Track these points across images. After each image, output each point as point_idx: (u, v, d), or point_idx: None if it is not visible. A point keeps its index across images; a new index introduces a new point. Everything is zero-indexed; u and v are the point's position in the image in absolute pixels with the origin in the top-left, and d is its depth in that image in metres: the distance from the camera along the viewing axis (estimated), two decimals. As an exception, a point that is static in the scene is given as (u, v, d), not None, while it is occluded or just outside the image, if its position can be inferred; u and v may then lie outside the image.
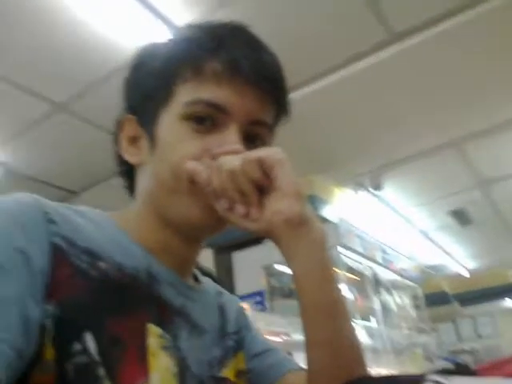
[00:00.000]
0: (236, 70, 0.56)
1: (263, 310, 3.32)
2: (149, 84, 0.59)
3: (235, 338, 0.68)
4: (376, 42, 2.29)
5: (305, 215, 0.52)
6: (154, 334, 0.53)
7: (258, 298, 3.40)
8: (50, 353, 0.45)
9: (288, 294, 3.53)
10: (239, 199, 0.52)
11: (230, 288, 3.57)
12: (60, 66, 2.18)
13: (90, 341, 0.47)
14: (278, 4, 2.02)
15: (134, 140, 0.61)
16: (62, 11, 1.91)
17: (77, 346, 0.46)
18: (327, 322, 0.52)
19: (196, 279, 0.67)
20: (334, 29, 2.19)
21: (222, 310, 0.69)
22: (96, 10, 1.93)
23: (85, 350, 0.46)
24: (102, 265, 0.52)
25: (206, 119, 0.56)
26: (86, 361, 0.46)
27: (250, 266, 3.54)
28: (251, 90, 0.56)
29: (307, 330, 0.53)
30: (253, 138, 0.58)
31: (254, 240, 3.56)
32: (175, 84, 0.57)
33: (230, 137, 0.55)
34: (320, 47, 2.29)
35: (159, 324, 0.54)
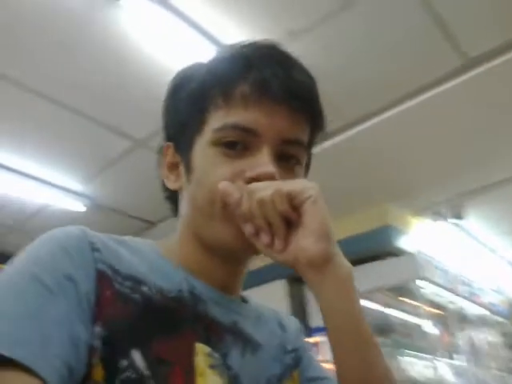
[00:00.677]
0: (264, 91, 0.55)
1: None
2: (183, 111, 0.60)
3: (293, 357, 0.67)
4: (450, 68, 2.22)
5: (329, 254, 0.52)
6: (202, 353, 0.53)
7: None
8: (98, 373, 0.46)
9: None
10: (265, 228, 0.52)
11: (303, 320, 3.51)
12: (137, 103, 2.32)
13: (137, 358, 0.48)
14: (349, 34, 2.03)
15: (173, 166, 0.62)
16: (131, 48, 2.04)
17: (124, 363, 0.47)
18: (355, 358, 0.52)
19: (243, 299, 0.67)
20: (405, 57, 2.16)
21: (281, 326, 0.69)
22: (163, 46, 2.04)
23: (132, 366, 0.47)
24: (144, 289, 0.53)
25: (236, 144, 0.56)
26: (135, 376, 0.47)
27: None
28: (281, 110, 0.56)
29: (337, 367, 0.53)
30: (287, 157, 0.58)
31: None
32: (208, 111, 0.58)
33: (262, 159, 0.55)
34: (393, 75, 2.26)
35: (207, 343, 0.54)
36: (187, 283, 0.57)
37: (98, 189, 3.06)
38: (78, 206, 3.18)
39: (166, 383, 0.49)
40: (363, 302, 3.36)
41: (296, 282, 3.66)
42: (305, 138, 0.59)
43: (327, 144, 2.61)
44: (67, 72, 2.15)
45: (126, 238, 0.59)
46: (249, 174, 0.54)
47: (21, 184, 2.92)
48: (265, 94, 0.55)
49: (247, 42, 0.61)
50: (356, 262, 3.35)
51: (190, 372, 0.51)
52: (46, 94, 2.27)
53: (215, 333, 0.56)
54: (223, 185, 0.54)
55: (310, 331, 3.45)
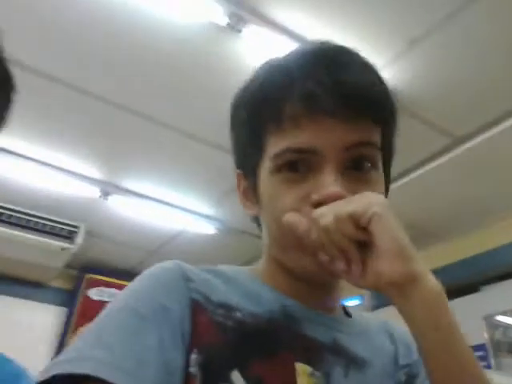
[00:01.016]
0: (312, 104, 0.51)
1: (487, 367, 2.92)
2: (243, 139, 0.59)
3: (407, 372, 0.61)
4: None
5: (409, 274, 0.46)
6: (304, 373, 0.51)
7: (479, 353, 3.01)
8: None
9: (517, 351, 3.04)
10: (338, 254, 0.48)
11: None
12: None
13: (237, 379, 0.48)
14: (459, 45, 1.89)
15: (247, 193, 0.61)
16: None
17: None
18: None
19: (346, 313, 0.64)
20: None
21: (392, 339, 0.64)
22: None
23: None
24: (237, 315, 0.53)
25: (297, 167, 0.53)
26: None
27: (466, 316, 3.18)
28: (335, 120, 0.51)
29: None
30: (359, 162, 0.53)
31: (469, 287, 3.22)
32: (263, 138, 0.56)
33: (326, 179, 0.51)
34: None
35: (308, 362, 0.53)
36: (280, 304, 0.57)
37: (228, 212, 3.20)
38: (210, 230, 3.35)
39: None
40: (510, 321, 3.04)
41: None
42: (373, 137, 0.54)
43: (464, 147, 2.44)
44: (192, 104, 2.31)
45: (220, 267, 0.60)
46: (314, 199, 0.51)
47: (158, 210, 3.18)
48: (313, 108, 0.51)
49: (296, 48, 0.58)
50: (503, 276, 3.05)
51: None
52: (177, 127, 2.45)
53: (315, 352, 0.54)
54: (288, 217, 0.51)
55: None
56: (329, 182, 0.51)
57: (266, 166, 0.56)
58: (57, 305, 3.86)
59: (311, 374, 0.52)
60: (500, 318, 3.03)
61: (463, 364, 0.46)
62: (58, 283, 3.93)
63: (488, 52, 1.96)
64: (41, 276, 3.75)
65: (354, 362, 0.56)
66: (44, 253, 3.37)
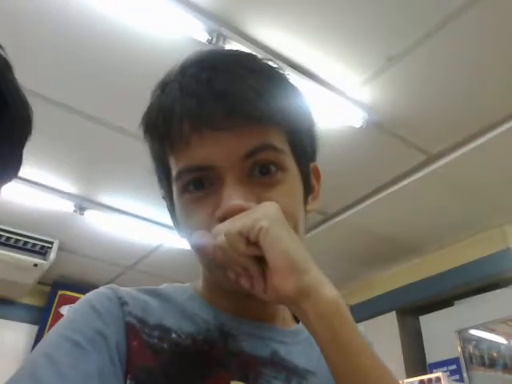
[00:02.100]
0: (197, 121, 0.50)
1: (459, 380, 2.96)
2: (155, 161, 0.59)
3: None
4: None
5: (301, 288, 0.45)
6: None
7: (452, 367, 3.05)
8: None
9: (489, 364, 3.09)
10: (240, 271, 0.48)
11: (419, 354, 3.28)
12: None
13: None
14: (436, 63, 1.94)
15: (172, 215, 0.61)
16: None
17: None
18: None
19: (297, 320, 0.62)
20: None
21: None
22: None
23: None
24: (173, 336, 0.52)
25: (198, 185, 0.52)
26: None
27: (440, 330, 3.22)
28: (225, 133, 0.50)
29: None
30: (262, 166, 0.52)
31: (443, 302, 3.26)
32: (165, 160, 0.55)
33: (225, 192, 0.50)
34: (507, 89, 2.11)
35: (245, 380, 0.52)
36: (216, 322, 0.56)
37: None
38: (187, 245, 3.32)
39: None
40: (485, 335, 3.08)
41: (408, 314, 3.46)
42: (271, 140, 0.52)
43: (439, 164, 2.50)
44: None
45: (161, 286, 0.60)
46: (217, 215, 0.50)
47: (135, 225, 3.14)
48: (198, 125, 0.50)
49: (186, 59, 0.57)
50: (476, 290, 3.10)
51: None
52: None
53: (251, 368, 0.53)
54: (194, 239, 0.51)
55: (428, 367, 3.23)
56: (228, 194, 0.50)
57: (174, 188, 0.55)
58: (28, 322, 3.75)
59: None
60: (473, 331, 3.08)
61: (365, 378, 0.45)
62: (29, 300, 3.82)
63: (463, 71, 2.02)
64: (12, 293, 3.65)
65: (295, 374, 0.55)
66: (16, 269, 3.29)
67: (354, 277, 3.72)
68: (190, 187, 0.53)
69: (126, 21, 1.83)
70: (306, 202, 0.58)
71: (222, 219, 0.49)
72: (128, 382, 0.48)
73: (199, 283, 0.61)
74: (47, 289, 3.82)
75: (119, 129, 2.37)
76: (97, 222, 3.11)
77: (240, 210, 0.48)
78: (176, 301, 0.57)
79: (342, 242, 3.28)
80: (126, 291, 0.56)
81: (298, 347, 0.58)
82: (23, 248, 3.20)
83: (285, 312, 0.62)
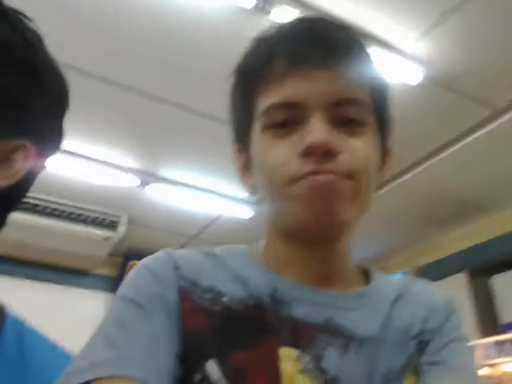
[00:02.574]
0: (299, 58, 0.51)
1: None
2: (237, 107, 0.59)
3: (417, 343, 0.55)
4: None
5: None
6: (289, 358, 0.50)
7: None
8: None
9: None
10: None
11: (491, 315, 3.19)
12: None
13: (212, 371, 0.48)
14: (495, 14, 1.80)
15: (245, 167, 0.60)
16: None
17: (197, 377, 0.48)
18: None
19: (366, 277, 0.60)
20: None
21: (411, 304, 0.58)
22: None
23: (206, 379, 0.48)
24: (224, 300, 0.53)
25: (284, 123, 0.53)
26: None
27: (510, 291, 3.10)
28: (321, 73, 0.51)
29: None
30: (348, 121, 0.53)
31: (514, 261, 3.13)
32: (253, 99, 0.56)
33: (312, 127, 0.50)
34: None
35: (295, 346, 0.51)
36: (270, 286, 0.55)
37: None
38: (247, 213, 3.38)
39: None
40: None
41: (479, 274, 3.34)
42: (362, 97, 0.53)
43: (505, 118, 2.36)
44: (222, 89, 2.31)
45: (218, 248, 0.60)
46: (301, 148, 0.50)
47: (196, 196, 3.22)
48: (299, 62, 0.52)
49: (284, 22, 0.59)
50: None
51: (275, 380, 0.48)
52: (210, 113, 2.47)
53: (304, 334, 0.52)
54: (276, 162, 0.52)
55: (501, 328, 3.13)
56: (314, 130, 0.50)
57: (257, 126, 0.56)
58: (103, 291, 4.00)
59: (297, 359, 0.50)
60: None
61: None
62: (103, 271, 4.06)
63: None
64: (87, 264, 3.89)
65: (353, 341, 0.53)
66: (89, 242, 3.49)
67: (422, 238, 3.63)
68: (273, 126, 0.53)
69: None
70: (380, 164, 0.58)
71: (305, 153, 0.50)
72: (181, 345, 0.49)
73: (259, 246, 0.61)
74: (119, 260, 4.03)
75: (176, 104, 2.41)
76: (160, 195, 3.21)
77: (324, 146, 0.50)
78: (231, 264, 0.57)
79: (407, 202, 3.20)
80: (181, 254, 0.57)
81: (359, 312, 0.56)
82: (94, 223, 3.38)
83: (349, 272, 0.60)
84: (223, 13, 1.89)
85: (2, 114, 0.52)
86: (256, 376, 0.49)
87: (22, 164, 0.54)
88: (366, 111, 0.54)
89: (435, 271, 3.45)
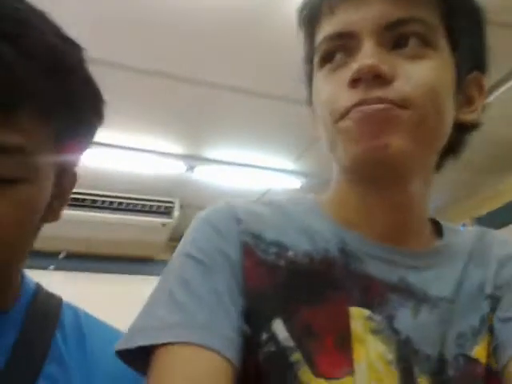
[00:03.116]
0: None
1: None
2: (304, 51, 0.57)
3: (491, 301, 0.52)
4: None
5: None
6: (359, 317, 0.47)
7: None
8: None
9: None
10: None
11: None
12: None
13: (279, 329, 0.46)
14: None
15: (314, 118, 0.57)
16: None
17: (264, 336, 0.46)
18: None
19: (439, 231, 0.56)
20: None
21: (486, 259, 0.54)
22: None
23: (273, 339, 0.45)
24: (289, 254, 0.50)
25: (335, 54, 0.50)
26: (275, 349, 0.45)
27: None
28: None
29: None
30: (404, 39, 0.48)
31: None
32: (312, 36, 0.54)
33: (361, 53, 0.47)
34: None
35: (366, 305, 0.48)
36: (338, 239, 0.51)
37: (311, 164, 3.17)
38: (296, 184, 3.36)
39: (315, 353, 0.45)
40: None
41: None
42: (421, 13, 0.48)
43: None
44: (257, 62, 2.28)
45: (280, 199, 0.57)
46: (349, 77, 0.47)
47: (243, 174, 3.24)
48: None
49: None
50: None
51: (345, 339, 0.46)
52: (247, 88, 2.45)
53: (376, 293, 0.49)
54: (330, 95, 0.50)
55: None
56: (362, 56, 0.47)
57: (314, 67, 0.54)
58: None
59: (369, 318, 0.48)
60: None
61: None
62: (165, 256, 4.19)
63: None
64: (148, 252, 4.02)
65: (425, 302, 0.50)
66: (147, 230, 3.60)
67: (482, 186, 3.49)
68: (327, 59, 0.51)
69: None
70: (457, 105, 0.52)
71: (353, 82, 0.47)
72: (244, 303, 0.47)
73: (324, 197, 0.58)
74: (178, 245, 4.14)
75: (211, 83, 2.41)
76: (208, 177, 3.25)
77: (372, 71, 0.46)
78: (295, 215, 0.54)
79: (467, 149, 3.06)
80: (243, 207, 0.54)
81: (433, 271, 0.53)
82: (150, 211, 3.48)
83: (422, 225, 0.55)
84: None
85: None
86: (324, 335, 0.46)
87: None
88: (431, 32, 0.48)
89: (498, 218, 3.32)
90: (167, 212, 3.52)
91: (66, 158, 0.54)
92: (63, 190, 0.56)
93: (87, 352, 0.58)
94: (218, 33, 2.08)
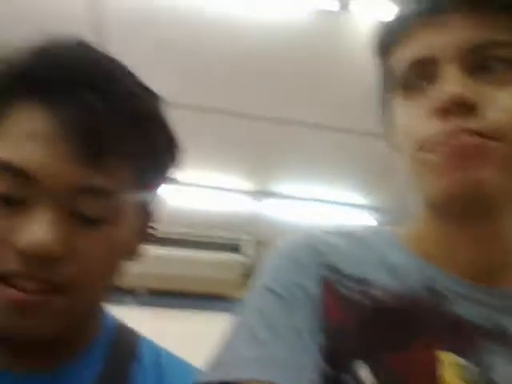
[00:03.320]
0: (426, 5, 0.46)
1: None
2: (379, 71, 0.56)
3: None
4: None
5: None
6: (450, 364, 0.43)
7: None
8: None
9: None
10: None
11: None
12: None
13: (362, 372, 0.42)
14: None
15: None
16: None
17: (345, 377, 0.42)
18: None
19: None
20: None
21: None
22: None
23: (356, 381, 0.42)
24: (373, 292, 0.46)
25: (415, 82, 0.47)
26: None
27: None
28: (454, 17, 0.44)
29: None
30: (488, 63, 0.44)
31: None
32: (388, 58, 0.52)
33: (445, 81, 0.44)
34: None
35: (457, 351, 0.43)
36: (425, 277, 0.48)
37: (386, 197, 3.09)
38: (370, 220, 3.27)
39: None
40: None
41: None
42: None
43: None
44: (322, 95, 2.29)
45: (357, 229, 0.54)
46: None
47: (314, 208, 3.20)
48: (426, 10, 0.46)
49: None
50: None
51: None
52: (314, 122, 2.46)
53: (467, 338, 0.45)
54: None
55: None
56: (448, 82, 0.44)
57: (390, 91, 0.51)
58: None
59: (461, 366, 0.43)
60: None
61: None
62: (238, 294, 4.19)
63: None
64: (222, 289, 4.05)
65: None
66: (221, 267, 3.64)
67: None
68: (406, 84, 0.49)
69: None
70: None
71: (439, 111, 0.44)
72: (324, 340, 0.45)
73: (406, 231, 0.54)
74: (252, 281, 4.11)
75: (276, 119, 2.44)
76: (279, 212, 3.25)
77: (460, 100, 0.43)
78: (376, 248, 0.51)
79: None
80: (322, 238, 0.52)
81: None
82: (222, 247, 3.52)
83: (510, 262, 0.50)
84: (307, 18, 1.89)
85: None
86: (411, 381, 0.43)
87: None
88: None
89: None
90: (238, 248, 3.54)
91: (145, 198, 0.57)
92: (143, 229, 0.58)
93: None
94: (287, 70, 2.13)
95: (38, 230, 0.44)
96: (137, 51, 1.58)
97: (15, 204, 0.45)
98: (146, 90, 0.56)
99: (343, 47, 1.96)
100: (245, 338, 0.45)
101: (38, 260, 0.44)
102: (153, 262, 3.28)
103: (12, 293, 0.44)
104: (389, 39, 0.51)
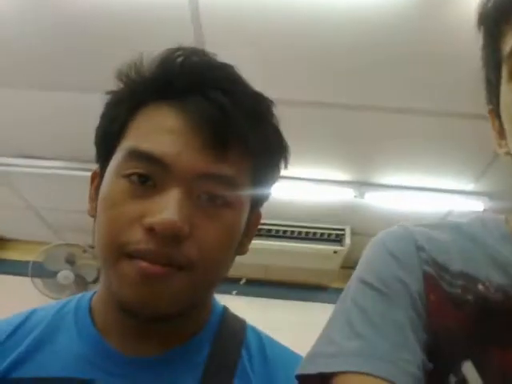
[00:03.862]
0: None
1: None
2: (486, 60, 0.55)
3: None
4: None
5: None
6: None
7: None
8: None
9: None
10: None
11: None
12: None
13: (471, 375, 0.40)
14: None
15: (499, 133, 0.53)
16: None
17: (452, 379, 0.41)
18: None
19: None
20: None
21: None
22: None
23: (464, 383, 0.40)
24: (479, 288, 0.44)
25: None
26: None
27: None
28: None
29: None
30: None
31: None
32: (499, 43, 0.49)
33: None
34: None
35: None
36: None
37: (495, 183, 2.89)
38: (478, 206, 3.07)
39: None
40: None
41: None
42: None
43: None
44: (422, 80, 2.18)
45: (464, 220, 0.51)
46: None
47: (417, 198, 3.09)
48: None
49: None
50: None
51: None
52: (414, 108, 2.36)
53: None
54: None
55: None
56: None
57: (503, 78, 0.48)
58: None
59: None
60: None
61: None
62: (337, 284, 4.17)
63: None
64: (322, 279, 4.06)
65: None
66: (320, 258, 3.65)
67: None
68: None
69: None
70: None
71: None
72: (427, 338, 0.44)
73: None
74: (351, 272, 4.07)
75: (383, 108, 2.38)
76: (378, 202, 3.18)
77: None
78: (485, 242, 0.48)
79: None
80: (423, 232, 0.51)
81: None
82: (321, 238, 3.53)
83: None
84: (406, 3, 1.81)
85: None
86: None
87: None
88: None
89: None
90: (339, 239, 3.53)
91: (259, 192, 0.62)
92: (251, 224, 0.63)
93: (270, 373, 0.61)
94: (385, 58, 2.06)
95: (169, 210, 0.50)
96: (238, 52, 1.63)
97: (148, 187, 0.52)
98: (259, 93, 0.62)
99: (451, 27, 1.86)
100: (343, 331, 0.46)
101: (166, 238, 0.50)
102: (255, 253, 3.38)
103: (142, 265, 0.50)
104: (500, 11, 0.48)
